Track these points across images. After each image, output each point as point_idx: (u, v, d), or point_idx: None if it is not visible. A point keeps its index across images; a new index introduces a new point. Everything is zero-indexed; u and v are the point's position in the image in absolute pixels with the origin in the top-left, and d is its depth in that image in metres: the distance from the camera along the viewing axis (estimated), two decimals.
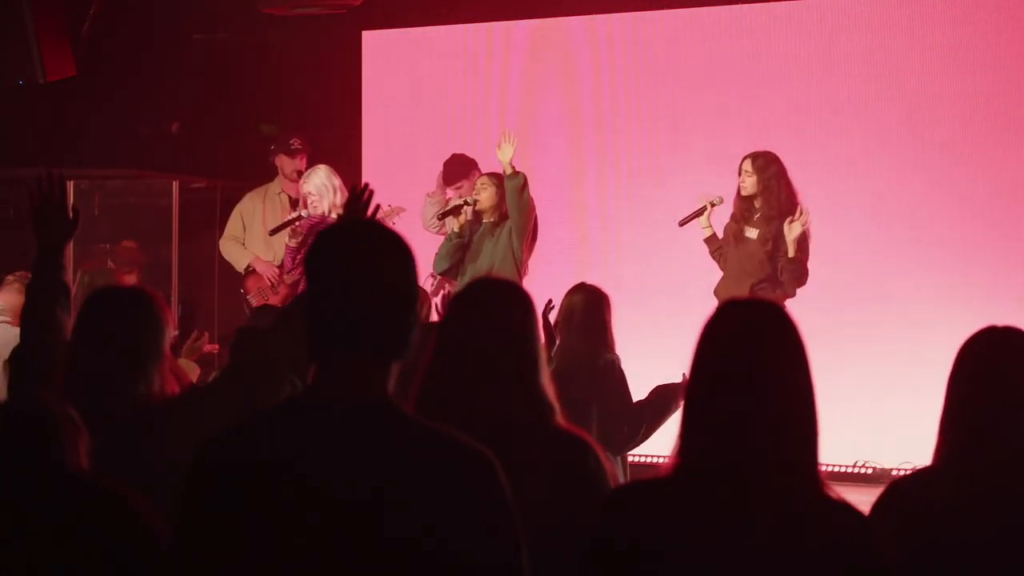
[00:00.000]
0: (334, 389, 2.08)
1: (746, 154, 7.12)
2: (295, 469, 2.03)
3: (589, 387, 5.08)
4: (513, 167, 7.27)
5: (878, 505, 2.67)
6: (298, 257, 7.68)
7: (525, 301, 2.88)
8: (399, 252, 2.15)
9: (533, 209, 7.37)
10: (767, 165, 7.02)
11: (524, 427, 2.77)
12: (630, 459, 5.56)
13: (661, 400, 5.22)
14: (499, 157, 7.33)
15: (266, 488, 2.03)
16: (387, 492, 2.00)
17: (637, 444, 5.30)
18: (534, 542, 2.52)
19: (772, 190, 6.99)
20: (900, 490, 2.70)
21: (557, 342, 4.56)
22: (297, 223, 7.66)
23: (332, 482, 2.01)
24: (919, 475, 2.73)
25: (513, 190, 7.22)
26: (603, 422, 5.11)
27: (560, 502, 2.70)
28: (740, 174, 7.06)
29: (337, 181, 7.66)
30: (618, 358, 5.27)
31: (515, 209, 7.22)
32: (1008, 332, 2.72)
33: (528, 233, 7.30)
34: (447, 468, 2.03)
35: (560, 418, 2.84)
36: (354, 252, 2.13)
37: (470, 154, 8.25)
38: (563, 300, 5.32)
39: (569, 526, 2.61)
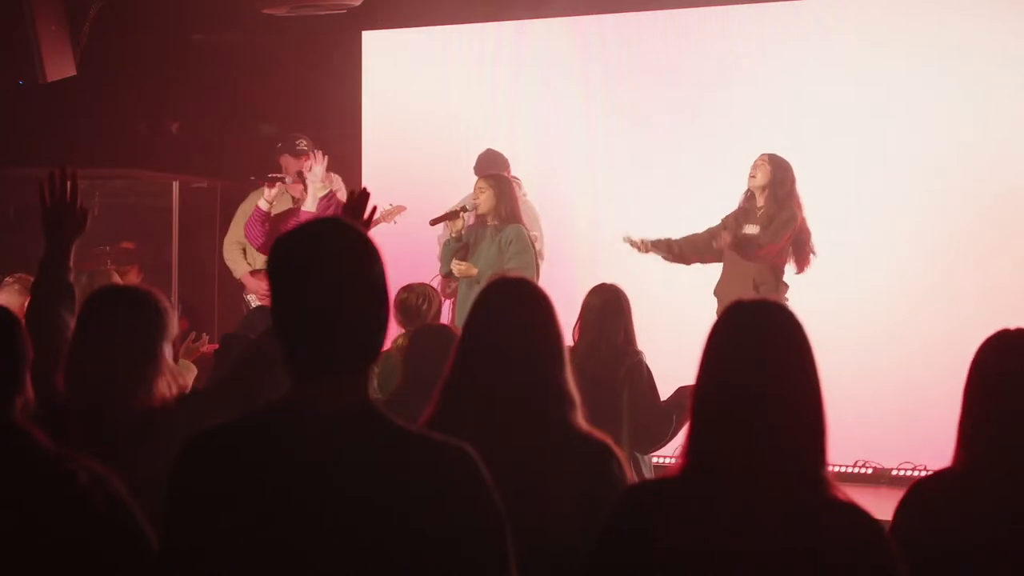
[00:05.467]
0: (313, 396, 2.05)
1: (762, 153, 7.13)
2: (276, 474, 2.01)
3: (619, 388, 5.11)
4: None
5: (901, 507, 2.69)
6: (265, 228, 7.77)
7: (543, 298, 2.89)
8: (363, 250, 2.08)
9: (536, 266, 7.17)
10: (782, 164, 7.05)
11: (547, 429, 2.78)
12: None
13: (684, 400, 5.25)
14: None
15: (245, 493, 2.01)
16: (370, 497, 1.99)
17: (667, 443, 5.34)
18: (553, 544, 2.52)
19: (780, 187, 7.01)
20: (922, 492, 2.71)
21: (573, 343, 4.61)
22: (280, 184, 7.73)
23: (313, 488, 1.99)
24: (940, 477, 2.74)
25: (516, 252, 7.08)
26: (636, 421, 5.14)
27: (581, 506, 2.70)
28: (752, 168, 7.07)
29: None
30: (643, 355, 5.30)
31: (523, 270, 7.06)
32: (1022, 334, 2.73)
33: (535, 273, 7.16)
34: (431, 469, 2.02)
35: (581, 415, 2.85)
36: (318, 257, 2.05)
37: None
38: (583, 302, 5.35)
39: (589, 531, 2.61)
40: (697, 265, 7.47)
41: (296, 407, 2.06)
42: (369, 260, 2.07)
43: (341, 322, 2.03)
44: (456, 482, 2.01)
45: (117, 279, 5.50)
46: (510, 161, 8.11)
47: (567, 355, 2.87)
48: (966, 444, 2.69)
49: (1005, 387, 2.67)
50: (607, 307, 5.26)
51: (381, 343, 2.09)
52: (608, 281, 5.50)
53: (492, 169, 7.83)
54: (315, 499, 1.98)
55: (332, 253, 2.06)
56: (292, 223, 8.41)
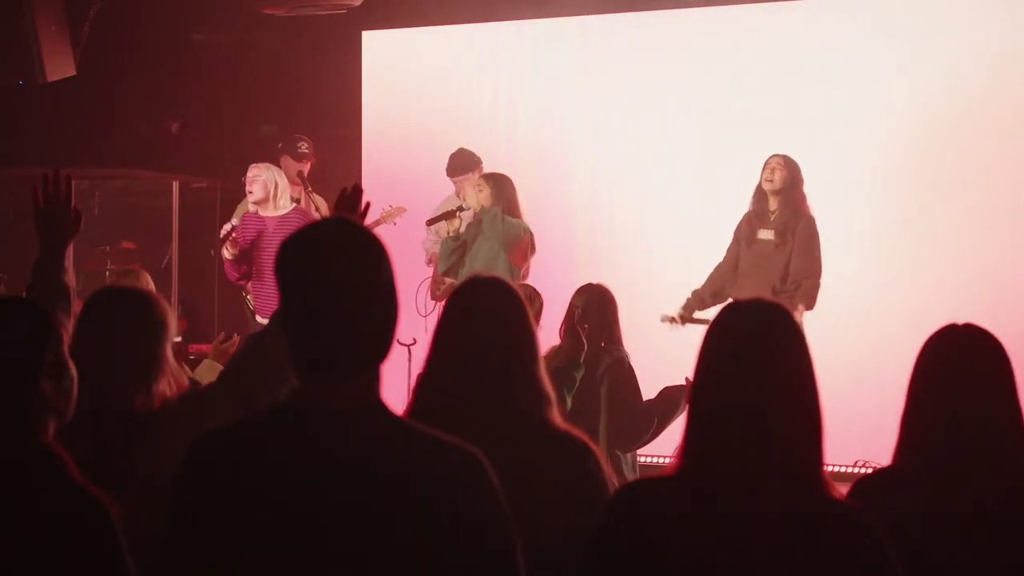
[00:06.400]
0: (321, 396, 2.05)
1: (772, 153, 7.10)
2: (284, 475, 2.01)
3: (598, 385, 5.11)
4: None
5: None
6: (241, 269, 7.62)
7: (516, 296, 2.89)
8: (372, 250, 2.08)
9: (524, 239, 7.23)
10: (794, 165, 7.03)
11: (524, 427, 2.78)
12: (640, 459, 5.60)
13: (669, 401, 5.25)
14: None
15: (253, 495, 2.01)
16: (379, 498, 1.99)
17: (647, 443, 5.33)
18: (532, 543, 2.52)
19: (793, 190, 6.99)
20: (864, 490, 2.68)
21: (585, 346, 4.62)
22: (233, 234, 7.51)
23: (321, 488, 1.99)
24: (882, 474, 2.73)
25: (490, 222, 7.12)
26: (613, 419, 5.14)
27: (559, 504, 2.70)
28: (766, 170, 7.03)
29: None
30: (626, 355, 5.30)
31: (496, 238, 7.11)
32: (968, 330, 2.72)
33: (519, 251, 7.17)
34: (439, 471, 2.02)
35: (557, 413, 2.86)
36: (326, 257, 2.05)
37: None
38: (570, 301, 5.35)
39: (568, 528, 2.61)
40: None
41: (304, 407, 2.06)
42: (377, 259, 2.07)
43: (349, 322, 2.03)
44: (466, 484, 2.02)
45: (149, 282, 5.50)
46: (508, 161, 8.12)
47: (540, 352, 2.87)
48: (907, 441, 2.68)
49: (946, 383, 2.66)
50: (590, 307, 5.28)
51: (390, 342, 2.09)
52: (608, 281, 5.51)
53: (465, 169, 7.88)
54: (324, 500, 1.99)
55: (339, 253, 2.06)
56: (265, 241, 7.90)
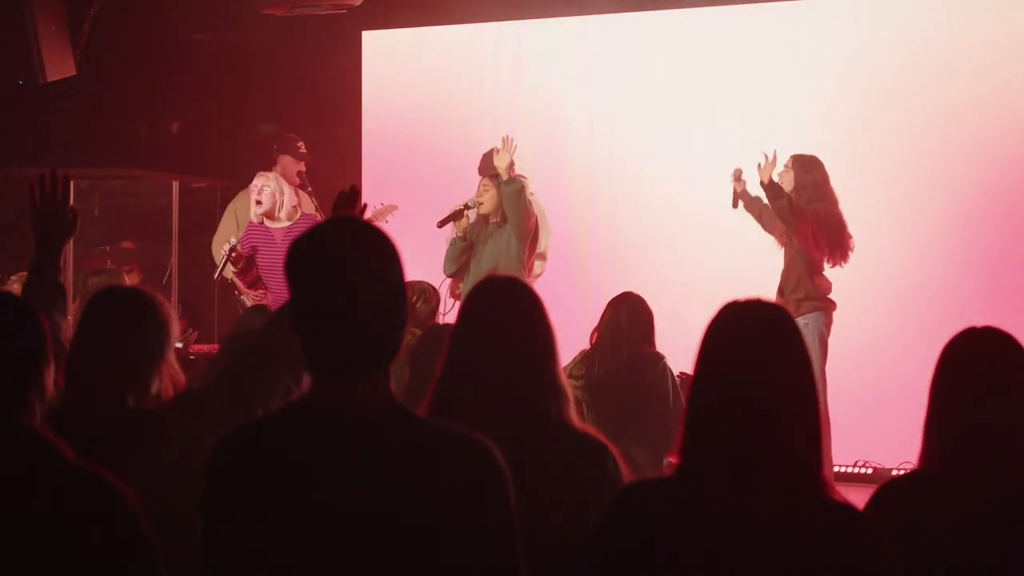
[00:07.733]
0: (338, 396, 2.07)
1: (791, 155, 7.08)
2: (311, 475, 2.03)
3: (648, 390, 5.20)
4: (509, 172, 7.27)
5: (868, 509, 2.64)
6: (248, 278, 7.63)
7: (532, 295, 2.89)
8: (383, 250, 2.09)
9: (531, 213, 7.37)
10: (807, 164, 7.00)
11: (541, 426, 2.78)
12: None
13: None
14: (495, 163, 7.35)
15: (281, 495, 2.03)
16: (398, 492, 2.01)
17: None
18: (549, 543, 2.52)
19: (803, 190, 6.95)
20: (890, 495, 2.67)
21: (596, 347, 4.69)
22: (233, 253, 7.51)
23: (346, 486, 2.01)
24: (909, 479, 2.71)
25: (509, 195, 7.22)
26: (666, 426, 5.21)
27: (577, 503, 2.70)
28: (780, 176, 7.03)
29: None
30: (666, 359, 5.39)
31: (513, 213, 7.22)
32: (988, 332, 2.70)
33: (528, 236, 7.30)
34: (453, 464, 2.04)
35: (575, 412, 2.85)
36: (338, 256, 2.06)
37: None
38: (608, 309, 5.45)
39: (585, 528, 2.61)
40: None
41: (323, 407, 2.08)
42: (387, 258, 2.09)
43: (361, 321, 2.05)
44: (483, 477, 2.04)
45: (126, 280, 5.51)
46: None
47: (558, 351, 2.87)
48: (934, 446, 2.66)
49: (971, 388, 2.64)
50: (628, 314, 5.40)
51: (401, 340, 2.11)
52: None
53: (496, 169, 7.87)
54: (349, 498, 2.01)
55: (351, 252, 2.07)
56: (274, 253, 7.89)
